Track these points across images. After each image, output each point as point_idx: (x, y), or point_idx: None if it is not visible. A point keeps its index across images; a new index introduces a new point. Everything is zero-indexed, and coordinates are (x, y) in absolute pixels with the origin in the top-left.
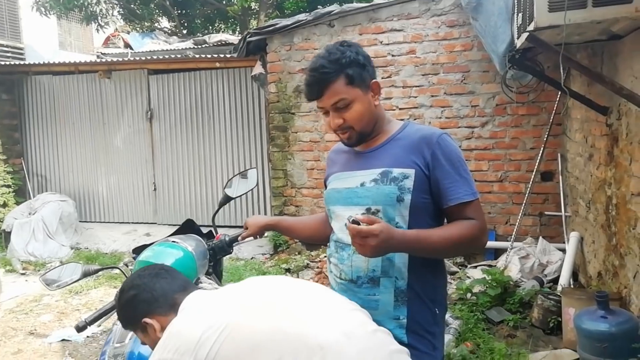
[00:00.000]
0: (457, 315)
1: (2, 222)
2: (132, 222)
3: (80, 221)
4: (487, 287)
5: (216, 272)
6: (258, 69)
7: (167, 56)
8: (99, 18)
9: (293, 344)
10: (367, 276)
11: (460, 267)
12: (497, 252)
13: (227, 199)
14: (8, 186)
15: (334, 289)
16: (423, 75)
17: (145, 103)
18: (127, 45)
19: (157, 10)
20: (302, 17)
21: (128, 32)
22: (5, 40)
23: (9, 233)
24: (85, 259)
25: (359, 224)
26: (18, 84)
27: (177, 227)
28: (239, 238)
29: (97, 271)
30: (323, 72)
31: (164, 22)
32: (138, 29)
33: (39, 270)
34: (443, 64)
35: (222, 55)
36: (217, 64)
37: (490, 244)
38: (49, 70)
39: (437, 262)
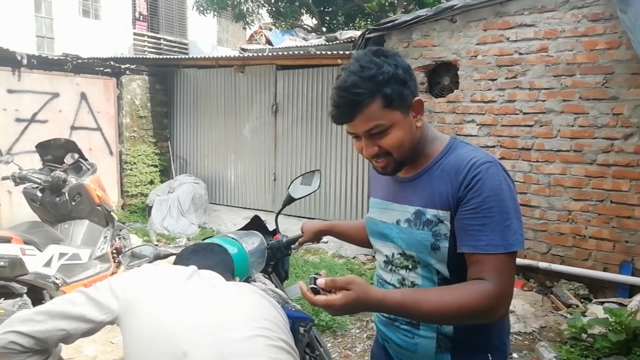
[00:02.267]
0: (564, 357)
1: (147, 197)
2: (253, 209)
3: (210, 203)
4: (609, 329)
5: (277, 271)
6: None
7: (294, 52)
8: (247, 16)
9: (165, 343)
10: (405, 319)
11: (582, 299)
12: (633, 290)
13: (290, 200)
14: (155, 166)
15: (375, 319)
16: (555, 76)
17: (272, 97)
18: (268, 42)
19: (300, 9)
20: (422, 12)
21: (270, 29)
22: (174, 36)
23: (151, 208)
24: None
25: (318, 292)
26: (170, 76)
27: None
28: (297, 243)
29: (166, 256)
30: (355, 93)
31: (308, 20)
32: (283, 25)
33: (169, 244)
34: (580, 64)
35: (342, 52)
36: (339, 61)
37: (625, 278)
38: (194, 64)
39: None
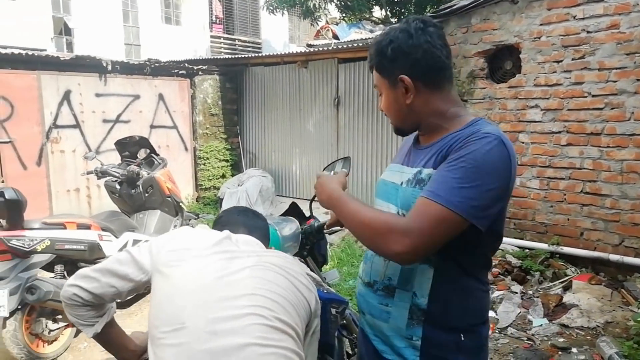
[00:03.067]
0: (625, 353)
1: (218, 189)
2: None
3: (276, 195)
4: None
5: (313, 255)
6: None
7: (354, 45)
8: (314, 12)
9: (171, 311)
10: (383, 283)
11: None
12: None
13: None
14: (226, 161)
15: (357, 290)
16: (627, 54)
17: (334, 90)
18: (334, 36)
19: (369, 1)
20: None
21: (337, 24)
22: (247, 36)
23: (222, 200)
24: None
25: None
26: (239, 74)
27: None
28: (325, 226)
29: None
30: (369, 54)
31: (379, 13)
32: (351, 19)
33: None
34: None
35: None
36: None
37: None
38: (261, 62)
39: (471, 283)
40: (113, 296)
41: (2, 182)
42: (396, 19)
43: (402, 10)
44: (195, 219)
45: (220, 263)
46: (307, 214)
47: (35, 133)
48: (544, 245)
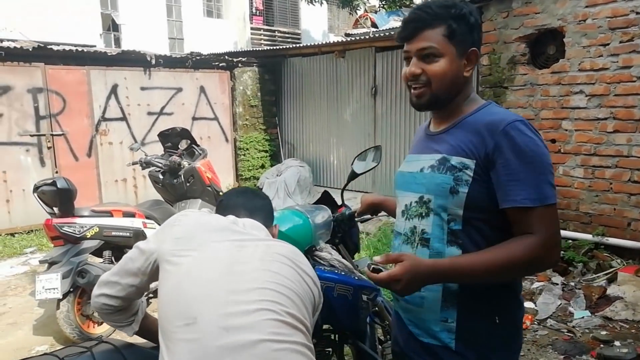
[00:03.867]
0: None
1: (258, 179)
2: (354, 190)
3: (314, 185)
4: None
5: (345, 243)
6: None
7: (391, 33)
8: (352, 1)
9: (182, 305)
10: None
11: None
12: None
13: (354, 175)
14: (266, 151)
15: None
16: None
17: (371, 80)
18: (373, 25)
19: None
20: None
21: (375, 12)
22: (287, 27)
23: (261, 189)
24: None
25: (380, 270)
26: (278, 66)
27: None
28: (355, 214)
29: None
30: (426, 12)
31: None
32: (391, 6)
33: None
34: None
35: None
36: None
37: None
38: (299, 53)
39: None
40: (138, 294)
41: (56, 172)
42: None
43: None
44: None
45: (229, 252)
46: (340, 202)
47: (85, 126)
48: (587, 236)
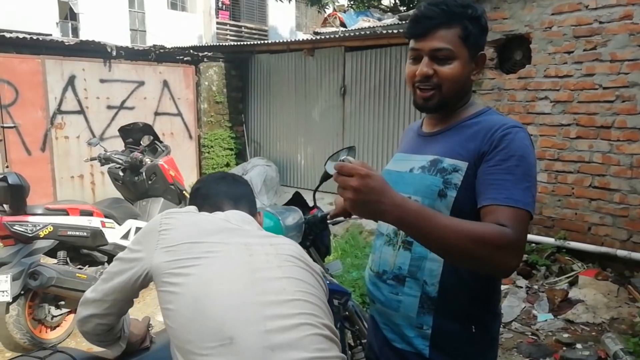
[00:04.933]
0: (631, 350)
1: None
2: (322, 191)
3: (281, 185)
4: None
5: (316, 246)
6: None
7: (362, 33)
8: (321, 0)
9: (209, 325)
10: (393, 272)
11: None
12: None
13: (327, 176)
14: (231, 149)
15: (366, 279)
16: None
17: (340, 79)
18: (342, 24)
19: None
20: None
21: (344, 12)
22: (254, 23)
23: None
24: None
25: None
26: (245, 62)
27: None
28: (328, 217)
29: None
30: (444, 10)
31: (387, 0)
32: (359, 6)
33: None
34: None
35: None
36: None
37: None
38: (267, 50)
39: (483, 273)
40: (127, 307)
41: (7, 167)
42: (405, 8)
43: None
44: None
45: (242, 258)
46: (311, 203)
47: (39, 118)
48: (550, 240)
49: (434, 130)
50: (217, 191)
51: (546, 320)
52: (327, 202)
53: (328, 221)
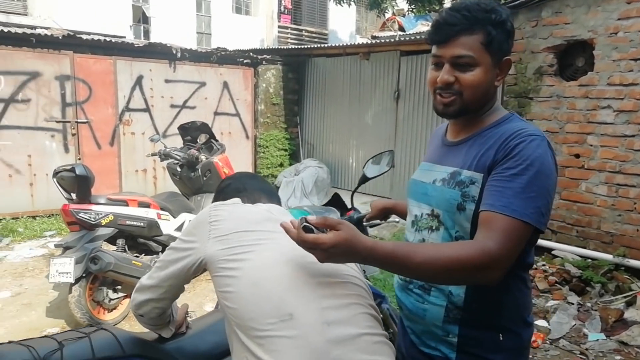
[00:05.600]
0: None
1: (276, 178)
2: (371, 194)
3: (332, 187)
4: None
5: None
6: None
7: (417, 37)
8: (381, 4)
9: (269, 304)
10: (418, 282)
11: None
12: None
13: (364, 179)
14: (285, 150)
15: (395, 285)
16: None
17: (394, 83)
18: (400, 28)
19: None
20: None
21: (403, 16)
22: (314, 27)
23: (278, 188)
24: None
25: (312, 231)
26: (302, 65)
27: None
28: (364, 219)
29: None
30: (465, 16)
31: (449, 4)
32: (420, 10)
33: None
34: None
35: None
36: None
37: None
38: (324, 53)
39: (510, 280)
40: (179, 293)
41: (79, 159)
42: None
43: None
44: None
45: (289, 244)
46: (350, 205)
47: (109, 115)
48: (608, 256)
49: (456, 139)
50: (252, 186)
51: (597, 340)
52: (361, 202)
53: (364, 223)
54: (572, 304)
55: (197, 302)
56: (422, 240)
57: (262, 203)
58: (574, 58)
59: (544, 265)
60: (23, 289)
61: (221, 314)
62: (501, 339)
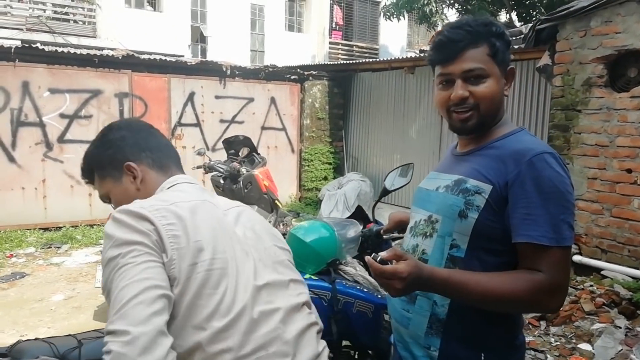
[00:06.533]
0: None
1: (319, 191)
2: (400, 205)
3: (375, 200)
4: None
5: None
6: (545, 59)
7: None
8: (430, 17)
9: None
10: None
11: None
12: None
13: (385, 192)
14: (329, 163)
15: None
16: None
17: None
18: None
19: (492, 5)
20: None
21: None
22: (365, 42)
23: (322, 201)
24: None
25: (385, 263)
26: (347, 80)
27: None
28: (382, 232)
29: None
30: (468, 31)
31: (503, 16)
32: None
33: None
34: None
35: (517, 47)
36: (511, 56)
37: None
38: (369, 68)
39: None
40: None
41: None
42: (523, 22)
43: (532, 11)
44: (291, 217)
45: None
46: (372, 217)
47: (163, 130)
48: None
49: (465, 149)
50: (158, 145)
51: None
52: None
53: (384, 237)
54: (620, 327)
55: None
56: (415, 245)
57: (174, 174)
58: (625, 68)
59: (591, 285)
60: (75, 292)
61: None
62: (482, 358)
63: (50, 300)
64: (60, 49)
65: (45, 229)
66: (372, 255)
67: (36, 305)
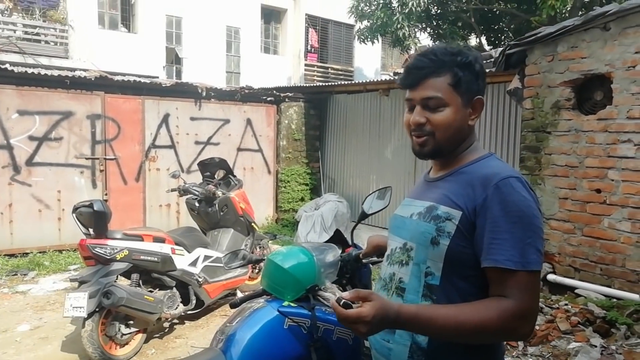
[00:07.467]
0: None
1: (296, 212)
2: (383, 227)
3: (352, 221)
4: None
5: (353, 284)
6: (515, 83)
7: None
8: (403, 41)
9: None
10: None
11: None
12: None
13: (364, 215)
14: (306, 184)
15: None
16: None
17: None
18: None
19: (463, 30)
20: (569, 22)
21: None
22: (340, 65)
23: (298, 222)
24: None
25: (350, 306)
26: (323, 101)
27: None
28: (360, 256)
29: (258, 261)
30: (431, 60)
31: (473, 40)
32: None
33: None
34: None
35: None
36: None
37: None
38: (345, 90)
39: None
40: None
41: (106, 194)
42: (492, 47)
43: (500, 36)
44: (271, 239)
45: None
46: (350, 242)
47: (136, 152)
48: (634, 296)
49: (436, 175)
50: None
51: None
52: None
53: (364, 261)
54: (595, 346)
55: (209, 338)
56: (392, 274)
57: None
58: (591, 92)
59: (566, 304)
60: (42, 322)
61: (213, 352)
62: None
63: (15, 330)
64: (30, 70)
65: (11, 255)
66: (336, 298)
67: (0, 336)
